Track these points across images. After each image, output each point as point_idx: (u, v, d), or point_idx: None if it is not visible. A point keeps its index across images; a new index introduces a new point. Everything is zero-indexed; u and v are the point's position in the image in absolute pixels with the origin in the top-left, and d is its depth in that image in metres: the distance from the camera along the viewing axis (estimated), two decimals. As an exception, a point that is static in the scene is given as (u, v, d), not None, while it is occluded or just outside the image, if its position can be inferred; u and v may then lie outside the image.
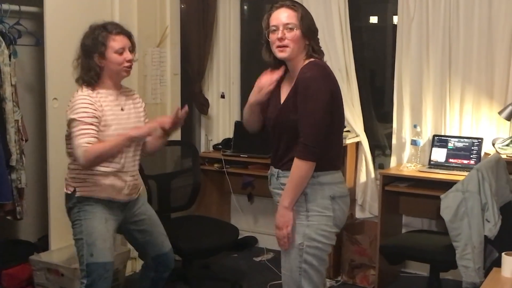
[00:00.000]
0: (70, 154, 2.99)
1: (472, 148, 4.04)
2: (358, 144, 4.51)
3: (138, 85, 4.41)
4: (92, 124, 2.84)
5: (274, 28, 2.58)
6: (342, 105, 2.67)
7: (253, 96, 2.71)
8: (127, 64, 2.98)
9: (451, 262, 3.27)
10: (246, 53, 5.15)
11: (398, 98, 4.36)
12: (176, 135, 4.80)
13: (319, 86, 2.52)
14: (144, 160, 4.16)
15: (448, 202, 3.26)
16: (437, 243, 3.57)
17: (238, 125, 4.90)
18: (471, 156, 4.04)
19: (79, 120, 2.83)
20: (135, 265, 4.45)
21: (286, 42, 2.56)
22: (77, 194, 2.98)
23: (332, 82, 2.59)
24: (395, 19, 4.57)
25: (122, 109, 3.03)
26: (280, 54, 2.59)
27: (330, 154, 2.60)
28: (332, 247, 2.71)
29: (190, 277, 4.13)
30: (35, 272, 3.73)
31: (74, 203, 3.00)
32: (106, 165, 2.95)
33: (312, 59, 2.61)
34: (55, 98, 3.76)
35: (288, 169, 2.57)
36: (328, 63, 4.29)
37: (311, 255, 2.59)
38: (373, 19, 5.18)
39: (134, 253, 4.38)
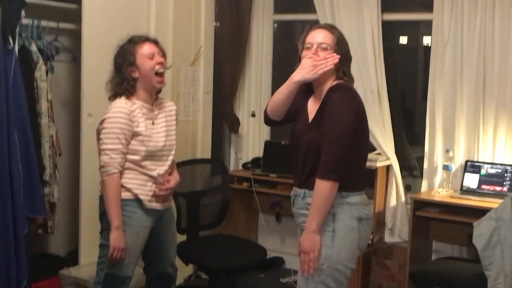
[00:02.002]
0: None
1: (505, 174, 3.98)
2: (388, 167, 4.47)
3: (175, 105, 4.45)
4: (121, 141, 2.93)
5: (309, 45, 2.62)
6: (367, 127, 2.69)
7: (305, 73, 2.59)
8: (158, 68, 3.00)
9: (482, 291, 3.22)
10: (277, 73, 5.17)
11: (430, 121, 4.32)
12: (206, 153, 4.84)
13: (345, 107, 2.53)
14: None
15: (481, 230, 3.22)
16: (468, 271, 3.52)
17: (268, 144, 4.91)
18: (504, 183, 3.98)
19: (112, 132, 2.93)
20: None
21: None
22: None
23: (358, 104, 2.60)
24: (426, 39, 4.55)
25: (153, 123, 3.07)
26: None
27: (357, 175, 2.61)
28: (361, 270, 2.69)
29: (216, 296, 4.12)
30: (64, 286, 3.76)
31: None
32: (146, 171, 3.02)
33: (340, 81, 2.63)
34: (89, 114, 3.81)
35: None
36: (360, 85, 4.41)
37: (330, 276, 2.56)
38: (403, 39, 5.16)
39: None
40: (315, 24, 2.69)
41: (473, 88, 4.12)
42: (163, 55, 3.07)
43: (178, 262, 4.07)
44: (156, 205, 3.10)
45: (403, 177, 4.56)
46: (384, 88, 4.46)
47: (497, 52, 4.03)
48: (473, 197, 3.94)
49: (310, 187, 2.60)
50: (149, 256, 3.26)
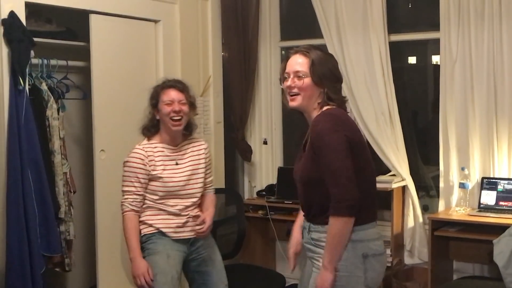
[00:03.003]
0: None
1: (523, 190, 3.95)
2: (404, 188, 4.44)
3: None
4: (133, 184, 3.21)
5: (286, 76, 2.51)
6: (367, 152, 2.54)
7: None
8: (173, 115, 3.19)
9: (507, 309, 3.17)
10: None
11: (444, 140, 4.29)
12: (220, 183, 4.83)
13: (331, 137, 2.37)
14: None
15: (501, 247, 3.18)
16: (491, 290, 3.47)
17: (281, 171, 4.89)
18: (522, 198, 3.94)
19: (127, 176, 3.22)
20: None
21: (295, 90, 2.47)
22: (141, 232, 3.23)
23: (347, 128, 2.43)
24: (435, 58, 4.54)
25: (176, 163, 3.28)
26: (290, 103, 2.51)
27: (362, 206, 2.40)
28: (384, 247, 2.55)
29: (237, 327, 4.07)
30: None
31: (141, 243, 3.23)
32: (165, 208, 3.23)
33: (325, 108, 2.48)
34: (102, 150, 3.82)
35: (319, 223, 2.45)
36: (371, 107, 4.40)
37: None
38: (412, 59, 5.16)
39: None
40: (292, 49, 2.56)
41: (485, 104, 4.10)
42: (187, 102, 3.26)
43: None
44: (183, 235, 3.26)
45: (419, 197, 4.51)
46: (395, 109, 4.45)
47: (506, 66, 4.01)
48: (491, 214, 3.89)
49: (314, 221, 2.50)
50: (197, 286, 3.41)
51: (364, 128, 4.50)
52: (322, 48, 2.63)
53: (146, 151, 3.23)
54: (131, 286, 3.44)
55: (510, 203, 3.97)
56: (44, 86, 3.70)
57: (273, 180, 5.00)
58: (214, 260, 3.43)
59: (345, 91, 4.53)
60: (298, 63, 2.48)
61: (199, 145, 3.42)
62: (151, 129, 3.28)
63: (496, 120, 4.09)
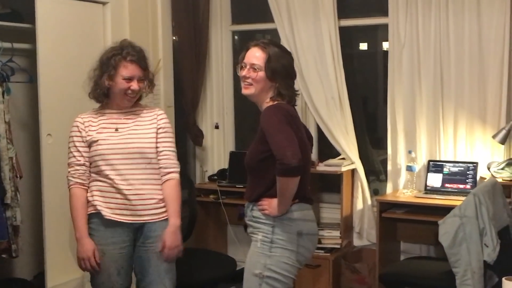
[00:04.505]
0: None
1: (468, 172, 4.05)
2: (353, 172, 4.50)
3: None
4: (73, 154, 3.01)
5: (243, 65, 2.70)
6: (306, 148, 2.71)
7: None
8: (129, 93, 3.00)
9: (451, 288, 3.25)
10: (239, 83, 5.12)
11: (391, 124, 4.37)
12: (171, 167, 4.79)
13: (271, 113, 2.59)
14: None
15: (446, 228, 3.25)
16: (437, 269, 3.56)
17: (233, 155, 4.90)
18: (467, 180, 4.04)
19: (68, 148, 3.05)
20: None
21: (249, 81, 2.67)
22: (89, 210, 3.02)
23: (284, 113, 2.60)
24: (385, 45, 4.61)
25: (116, 129, 3.03)
26: (243, 91, 2.73)
27: (298, 188, 2.61)
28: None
29: (188, 310, 4.08)
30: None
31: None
32: (110, 182, 2.98)
33: (275, 103, 2.67)
34: (49, 134, 3.74)
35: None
36: (321, 91, 4.45)
37: (270, 285, 2.62)
38: (363, 46, 5.22)
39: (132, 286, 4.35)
40: (253, 41, 2.73)
41: (431, 89, 4.19)
42: (145, 79, 3.05)
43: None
44: (126, 218, 2.97)
45: (370, 182, 4.59)
46: (345, 94, 4.49)
47: (452, 52, 4.10)
48: (437, 196, 3.99)
49: (256, 201, 2.71)
50: (139, 284, 3.14)
51: (314, 112, 4.55)
52: (281, 45, 2.83)
53: (83, 118, 3.03)
54: (80, 272, 3.38)
55: (455, 185, 4.07)
56: (-12, 68, 3.60)
57: (225, 165, 5.00)
58: (158, 261, 3.05)
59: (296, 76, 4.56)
60: (255, 56, 2.66)
61: (150, 113, 3.12)
62: (102, 97, 3.04)
63: (442, 105, 4.18)
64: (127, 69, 2.97)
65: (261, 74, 2.64)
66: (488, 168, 3.92)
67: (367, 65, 5.16)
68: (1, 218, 3.40)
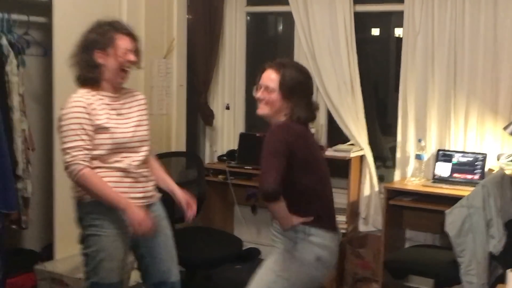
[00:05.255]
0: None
1: (476, 163, 4.05)
2: (362, 158, 4.51)
3: (144, 95, 4.42)
4: (81, 137, 2.72)
5: (259, 86, 2.71)
6: (322, 166, 2.73)
7: None
8: (127, 65, 2.85)
9: (455, 277, 3.28)
10: (251, 65, 5.18)
11: (402, 111, 4.37)
12: (181, 147, 4.83)
13: (273, 134, 2.58)
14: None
15: (453, 218, 3.27)
16: (441, 258, 3.57)
17: (243, 137, 4.92)
18: (475, 171, 4.05)
19: (70, 129, 2.71)
20: (138, 276, 4.44)
21: (263, 102, 2.68)
22: (86, 199, 2.81)
23: (289, 134, 2.59)
24: (398, 31, 4.59)
25: (118, 114, 2.87)
26: (258, 111, 2.72)
27: (320, 210, 2.66)
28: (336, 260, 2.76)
29: (193, 288, 4.13)
30: (39, 281, 3.73)
31: (84, 213, 2.84)
32: (115, 165, 2.81)
33: (282, 121, 2.66)
34: (62, 108, 3.77)
35: None
36: (333, 76, 4.45)
37: (282, 286, 2.64)
38: (375, 31, 5.21)
39: (138, 264, 4.40)
40: (268, 63, 2.72)
41: (444, 78, 4.18)
42: (138, 54, 2.90)
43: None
44: (135, 202, 2.83)
45: (376, 167, 4.60)
46: (357, 79, 4.49)
47: (467, 42, 4.09)
48: (445, 186, 4.00)
49: None
50: (142, 264, 3.05)
51: (325, 97, 4.55)
52: (297, 64, 2.81)
53: (86, 99, 2.76)
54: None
55: (463, 175, 4.08)
56: (4, 41, 3.63)
57: (234, 146, 5.02)
58: (167, 234, 3.06)
59: (308, 59, 4.57)
60: (270, 78, 2.67)
61: (139, 96, 3.01)
62: (92, 78, 2.81)
63: (454, 94, 4.17)
64: (124, 41, 2.83)
65: (275, 95, 2.64)
66: (498, 160, 3.93)
67: (379, 51, 5.15)
68: (12, 190, 3.42)
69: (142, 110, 3.00)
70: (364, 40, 4.85)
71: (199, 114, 5.11)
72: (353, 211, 4.48)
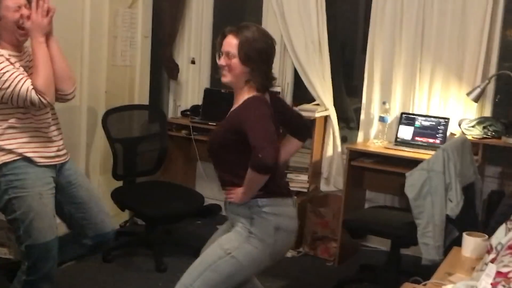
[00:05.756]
0: None
1: (439, 127, 4.09)
2: (326, 118, 4.52)
3: (108, 46, 4.34)
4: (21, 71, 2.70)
5: (220, 53, 2.66)
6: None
7: None
8: (22, 21, 2.76)
9: (412, 238, 3.33)
10: (218, 20, 5.09)
11: (368, 74, 4.37)
12: (144, 100, 4.76)
13: (255, 105, 2.55)
14: (111, 123, 4.14)
15: (413, 180, 3.30)
16: (399, 220, 3.63)
17: (208, 92, 4.87)
18: (437, 135, 4.09)
19: (5, 72, 2.66)
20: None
21: (226, 69, 2.62)
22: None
23: (266, 104, 2.59)
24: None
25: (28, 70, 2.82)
26: (222, 79, 2.67)
27: (271, 181, 2.56)
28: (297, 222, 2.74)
29: (152, 242, 4.13)
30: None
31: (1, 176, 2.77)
32: (24, 120, 2.77)
33: (251, 95, 2.61)
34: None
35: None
36: (301, 35, 4.40)
37: (229, 265, 2.56)
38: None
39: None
40: (227, 28, 2.64)
41: (412, 41, 4.18)
42: (28, 3, 2.78)
43: (114, 207, 4.06)
44: (49, 161, 2.86)
45: (340, 128, 4.61)
46: (325, 39, 4.46)
47: (436, 6, 4.08)
48: (406, 149, 4.03)
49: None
50: (73, 221, 3.04)
51: (293, 55, 4.52)
52: (259, 28, 2.67)
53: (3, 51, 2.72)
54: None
55: (425, 139, 4.12)
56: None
57: (199, 101, 4.97)
58: (88, 188, 3.06)
59: (277, 17, 4.51)
60: (229, 44, 2.60)
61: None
62: None
63: (420, 58, 4.19)
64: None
65: (235, 60, 2.58)
66: (459, 125, 3.98)
67: (348, 11, 5.10)
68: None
69: None
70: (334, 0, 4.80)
71: (163, 67, 5.03)
72: (315, 171, 4.51)
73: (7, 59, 2.72)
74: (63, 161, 2.96)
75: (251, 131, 2.46)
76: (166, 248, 4.15)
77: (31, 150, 2.80)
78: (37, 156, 2.82)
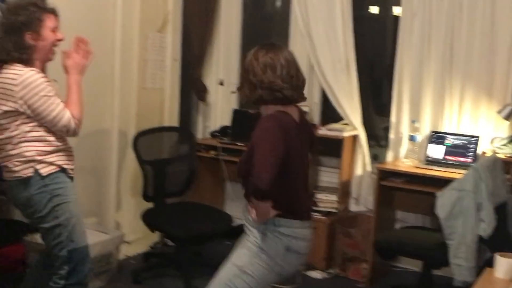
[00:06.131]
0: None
1: (469, 146, 4.04)
2: (355, 137, 4.50)
3: (138, 69, 4.40)
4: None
5: None
6: (295, 152, 2.57)
7: None
8: (57, 44, 2.90)
9: (444, 259, 3.29)
10: (246, 41, 5.13)
11: (397, 92, 4.35)
12: (174, 121, 4.81)
13: (264, 126, 2.49)
14: (141, 145, 4.18)
15: (444, 200, 3.27)
16: (431, 240, 3.58)
17: (236, 113, 4.89)
18: (468, 154, 4.04)
19: (49, 96, 2.78)
20: (128, 249, 4.46)
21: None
22: (43, 173, 2.86)
23: (282, 123, 2.52)
24: (396, 9, 4.55)
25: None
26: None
27: (290, 201, 2.57)
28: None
29: (182, 263, 4.14)
30: (28, 252, 3.73)
31: (41, 187, 2.87)
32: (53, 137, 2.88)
33: (266, 115, 2.57)
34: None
35: None
36: (328, 54, 4.41)
37: (244, 282, 2.56)
38: (373, 9, 5.16)
39: (128, 237, 4.41)
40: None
41: (440, 59, 4.15)
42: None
43: (145, 229, 4.09)
44: (73, 173, 3.00)
45: (370, 147, 4.59)
46: (352, 58, 4.46)
47: (464, 24, 4.05)
48: (437, 168, 3.99)
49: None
50: None
51: (320, 75, 4.52)
52: (263, 46, 2.60)
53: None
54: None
55: (456, 157, 4.07)
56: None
57: (227, 122, 5.00)
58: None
59: (304, 36, 4.53)
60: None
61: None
62: (25, 56, 2.80)
63: (450, 76, 4.15)
64: (51, 20, 2.86)
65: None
66: (491, 143, 3.92)
67: (376, 30, 5.10)
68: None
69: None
70: (361, 18, 4.80)
71: (192, 89, 5.07)
72: (344, 191, 4.48)
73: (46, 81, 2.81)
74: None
75: (255, 154, 2.44)
76: (195, 269, 4.15)
77: (65, 162, 2.94)
78: (69, 168, 2.97)
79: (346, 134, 4.36)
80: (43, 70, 2.90)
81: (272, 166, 2.40)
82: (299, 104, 2.68)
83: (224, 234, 4.31)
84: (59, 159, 2.91)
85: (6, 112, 2.79)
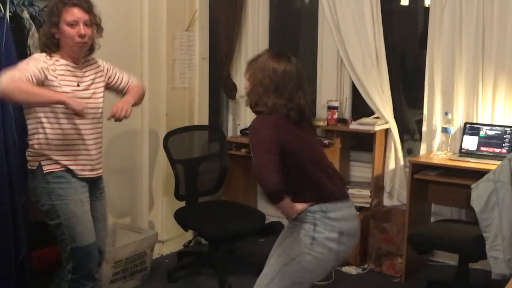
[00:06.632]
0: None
1: (505, 136, 3.96)
2: (387, 131, 4.45)
3: (167, 69, 4.42)
4: (33, 72, 2.77)
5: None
6: (294, 135, 2.59)
7: None
8: (78, 40, 2.88)
9: (480, 252, 3.24)
10: (274, 37, 5.11)
11: (429, 84, 4.29)
12: (204, 120, 4.82)
13: (258, 125, 2.55)
14: (172, 145, 4.20)
15: (479, 192, 3.21)
16: (467, 233, 3.52)
17: (266, 110, 4.87)
18: (503, 144, 3.96)
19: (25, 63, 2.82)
20: (162, 249, 4.49)
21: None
22: (44, 170, 2.92)
23: (272, 118, 2.57)
24: (426, 1, 4.48)
25: (78, 85, 2.96)
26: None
27: (312, 188, 2.59)
28: (360, 236, 2.71)
29: (215, 261, 4.14)
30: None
31: (41, 182, 2.94)
32: (66, 136, 2.92)
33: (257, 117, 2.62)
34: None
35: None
36: (358, 48, 4.36)
37: (295, 271, 2.59)
38: (404, 1, 5.08)
39: (162, 237, 4.44)
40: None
41: (472, 49, 4.07)
42: (92, 23, 2.94)
43: (178, 228, 4.11)
44: (88, 173, 3.02)
45: (404, 140, 4.53)
46: (382, 51, 4.41)
47: (496, 12, 3.97)
48: (471, 159, 3.92)
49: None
50: None
51: (350, 69, 4.49)
52: (271, 54, 2.67)
53: (48, 59, 2.88)
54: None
55: (491, 149, 4.00)
56: (25, 14, 3.59)
57: (257, 119, 4.98)
58: (104, 205, 3.23)
59: (333, 31, 4.50)
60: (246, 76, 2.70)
61: (98, 66, 3.09)
62: (51, 46, 2.90)
63: (482, 66, 4.07)
64: (70, 14, 2.87)
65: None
66: (527, 133, 3.84)
67: (406, 22, 5.02)
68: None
69: (100, 80, 3.09)
70: (390, 11, 4.74)
71: (221, 87, 5.08)
72: (377, 185, 4.44)
73: (46, 68, 2.85)
74: (97, 176, 3.11)
75: (254, 160, 2.48)
76: (229, 267, 4.16)
77: (74, 163, 2.96)
78: (78, 170, 2.98)
79: (378, 128, 4.32)
80: (76, 58, 2.94)
81: (272, 164, 2.44)
82: None
83: (257, 232, 4.31)
84: (66, 159, 2.94)
85: None
